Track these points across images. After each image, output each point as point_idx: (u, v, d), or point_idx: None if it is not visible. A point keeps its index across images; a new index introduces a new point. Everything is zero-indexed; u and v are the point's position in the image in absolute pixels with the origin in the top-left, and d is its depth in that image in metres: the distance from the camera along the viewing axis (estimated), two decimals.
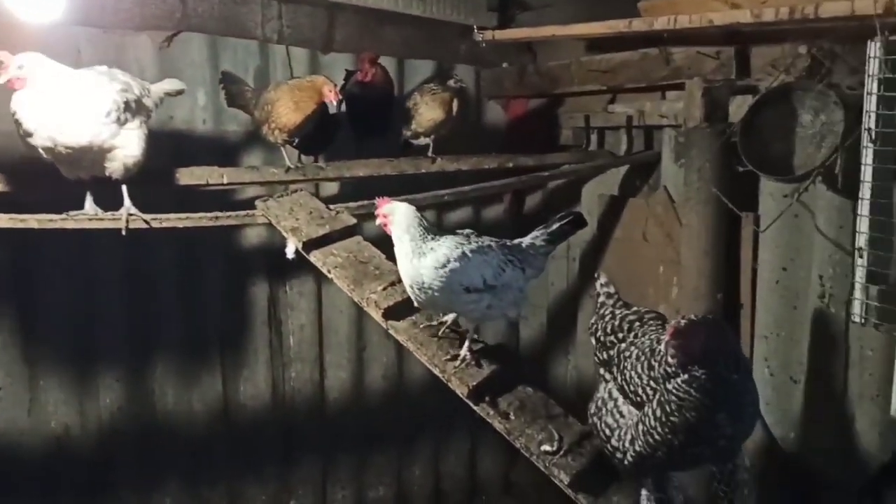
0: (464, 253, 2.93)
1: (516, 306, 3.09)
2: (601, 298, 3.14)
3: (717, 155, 3.84)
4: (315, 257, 3.52)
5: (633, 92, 4.58)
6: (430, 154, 4.41)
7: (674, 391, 2.47)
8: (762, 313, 3.89)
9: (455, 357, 3.16)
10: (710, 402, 2.40)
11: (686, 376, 2.45)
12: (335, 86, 3.82)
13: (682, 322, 2.43)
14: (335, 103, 3.81)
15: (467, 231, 3.10)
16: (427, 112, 4.29)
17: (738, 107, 3.79)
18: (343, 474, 5.26)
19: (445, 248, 2.92)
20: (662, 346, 2.47)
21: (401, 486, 5.44)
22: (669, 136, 4.40)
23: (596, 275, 3.23)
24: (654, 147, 4.65)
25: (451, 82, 4.32)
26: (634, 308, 3.03)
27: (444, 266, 2.88)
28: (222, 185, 3.86)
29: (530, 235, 3.17)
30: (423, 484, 5.50)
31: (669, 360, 2.47)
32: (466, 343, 3.18)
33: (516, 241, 3.13)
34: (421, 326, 3.29)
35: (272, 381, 4.92)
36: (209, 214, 3.57)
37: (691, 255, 4.00)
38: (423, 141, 4.42)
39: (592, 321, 3.09)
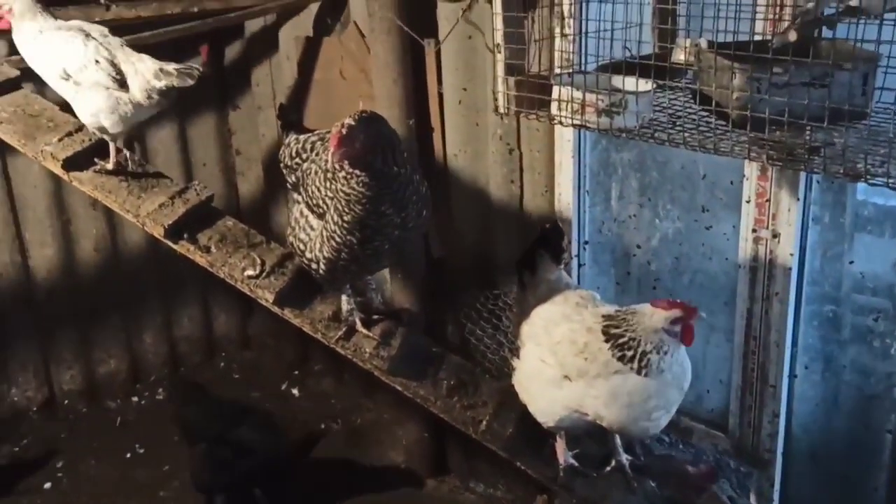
0: (56, 34, 3.01)
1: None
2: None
3: None
4: None
5: None
6: (102, 1, 4.10)
7: (341, 192, 2.65)
8: (451, 133, 4.19)
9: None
10: (371, 194, 2.60)
11: (349, 175, 2.63)
12: None
13: (343, 129, 2.56)
14: None
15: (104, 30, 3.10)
16: None
17: None
18: (67, 354, 5.07)
19: (48, 30, 3.02)
20: (329, 156, 2.61)
21: (133, 357, 5.35)
22: None
23: (276, 105, 3.28)
24: None
25: None
26: (317, 131, 3.13)
27: (34, 41, 3.00)
28: None
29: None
30: (156, 351, 5.45)
31: (336, 166, 2.63)
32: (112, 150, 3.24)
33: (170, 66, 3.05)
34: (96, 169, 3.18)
35: None
36: None
37: (382, 85, 4.14)
38: None
39: (280, 151, 3.16)
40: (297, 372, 5.58)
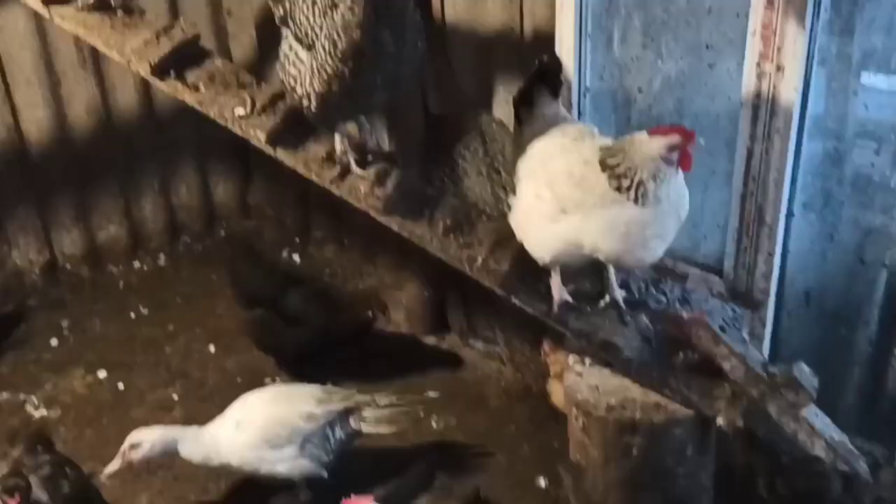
0: None
1: None
2: None
3: None
4: None
5: None
6: None
7: (343, 17, 2.56)
8: None
9: None
10: (372, 17, 2.52)
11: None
12: None
13: None
14: None
15: None
16: None
17: None
18: (65, 218, 5.06)
19: None
20: None
21: (132, 224, 5.34)
22: None
23: None
24: None
25: None
26: None
27: None
28: None
29: None
30: (155, 219, 5.43)
31: None
32: None
33: None
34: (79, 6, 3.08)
35: None
36: None
37: None
38: None
39: None
40: (298, 240, 5.58)
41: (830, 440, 2.72)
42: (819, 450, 2.68)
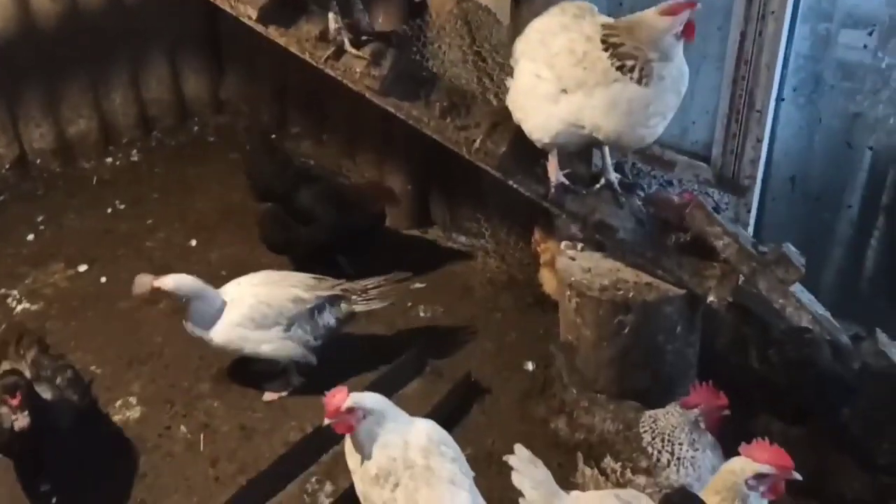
0: None
1: None
2: None
3: None
4: None
5: None
6: None
7: None
8: None
9: None
10: None
11: None
12: None
13: None
14: None
15: None
16: None
17: None
18: (34, 112, 4.90)
19: None
20: None
21: (103, 117, 5.19)
22: None
23: None
24: None
25: None
26: None
27: None
28: None
29: None
30: (126, 112, 5.28)
31: None
32: None
33: None
34: None
35: None
36: None
37: None
38: None
39: None
40: (273, 135, 5.47)
41: (816, 314, 2.84)
42: (806, 323, 2.80)
